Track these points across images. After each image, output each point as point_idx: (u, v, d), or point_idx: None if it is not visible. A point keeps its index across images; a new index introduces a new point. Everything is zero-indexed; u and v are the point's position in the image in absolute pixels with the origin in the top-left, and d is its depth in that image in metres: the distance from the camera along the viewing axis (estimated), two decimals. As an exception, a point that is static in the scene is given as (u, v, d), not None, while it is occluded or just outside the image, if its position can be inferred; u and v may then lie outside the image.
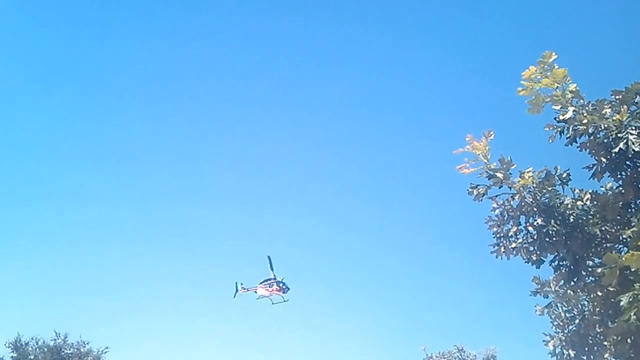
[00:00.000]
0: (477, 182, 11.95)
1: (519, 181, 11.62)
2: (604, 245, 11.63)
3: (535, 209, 11.66)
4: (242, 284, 43.27)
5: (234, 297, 43.48)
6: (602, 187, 11.73)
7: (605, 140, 11.12)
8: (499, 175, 11.70)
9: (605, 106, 11.09)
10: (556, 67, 11.25)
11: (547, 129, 11.58)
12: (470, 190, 11.96)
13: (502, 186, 11.80)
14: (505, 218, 11.93)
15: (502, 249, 11.95)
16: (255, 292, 42.33)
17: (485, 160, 11.76)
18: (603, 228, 11.56)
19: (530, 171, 11.66)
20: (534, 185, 11.65)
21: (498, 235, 12.00)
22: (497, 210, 11.99)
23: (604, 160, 11.26)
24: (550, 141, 11.54)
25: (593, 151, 11.35)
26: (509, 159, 11.71)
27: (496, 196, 11.99)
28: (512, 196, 11.84)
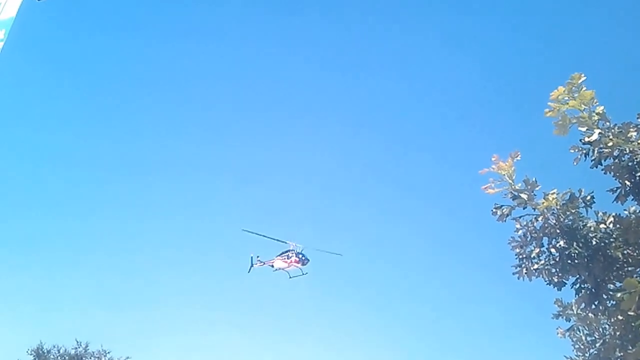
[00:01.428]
0: (502, 202, 11.80)
1: (543, 203, 11.52)
2: (626, 269, 11.58)
3: (558, 231, 11.57)
4: (258, 256, 40.59)
5: (249, 271, 40.95)
6: (625, 210, 11.66)
7: (630, 164, 11.12)
8: (524, 196, 11.58)
9: (631, 129, 11.08)
10: (584, 88, 11.19)
11: (572, 151, 11.51)
12: (494, 210, 11.83)
13: (526, 207, 11.69)
14: (529, 239, 11.81)
15: (524, 270, 11.82)
16: (272, 265, 39.72)
17: (511, 181, 11.65)
18: (625, 252, 11.50)
19: (554, 193, 11.57)
20: (558, 207, 11.57)
21: (520, 257, 11.88)
22: (520, 231, 11.87)
23: (628, 183, 11.24)
24: (575, 163, 11.47)
25: (617, 174, 11.31)
26: (533, 180, 11.61)
27: (520, 217, 11.86)
28: (535, 217, 11.73)
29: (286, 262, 38.81)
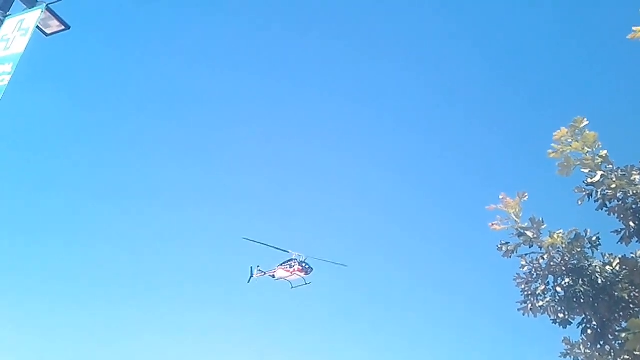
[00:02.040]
0: (508, 239, 12.20)
1: (548, 240, 11.86)
2: (632, 309, 11.71)
3: (564, 269, 11.86)
4: (258, 266, 38.59)
5: (248, 282, 39.00)
6: (632, 253, 11.88)
7: (634, 206, 11.43)
8: (529, 234, 11.97)
9: (634, 172, 11.43)
10: (587, 131, 11.66)
11: (576, 192, 11.87)
12: (500, 246, 12.22)
13: (532, 245, 12.04)
14: (534, 276, 12.13)
15: (530, 307, 12.08)
16: (273, 275, 37.67)
17: (517, 219, 12.07)
18: (632, 293, 11.67)
19: (560, 232, 11.92)
20: (564, 245, 11.89)
21: (526, 293, 12.17)
22: (525, 268, 12.21)
23: (632, 225, 11.51)
24: (580, 203, 11.82)
25: (622, 216, 11.60)
26: (540, 219, 12.01)
27: (526, 254, 12.21)
28: (541, 255, 12.06)
29: (288, 271, 36.89)
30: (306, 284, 37.08)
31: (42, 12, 8.69)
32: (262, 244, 37.06)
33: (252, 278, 38.92)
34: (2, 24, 8.61)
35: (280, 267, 37.27)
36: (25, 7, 8.88)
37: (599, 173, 11.53)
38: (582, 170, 11.77)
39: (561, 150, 11.74)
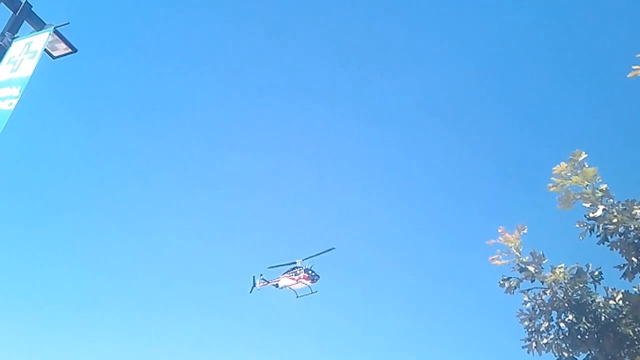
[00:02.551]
0: (509, 274, 12.06)
1: (550, 276, 11.74)
2: (637, 346, 11.49)
3: (567, 305, 11.69)
4: (261, 275, 36.46)
5: (250, 292, 37.03)
6: (634, 287, 11.77)
7: (636, 241, 11.38)
8: (531, 269, 11.85)
9: (635, 207, 11.44)
10: (586, 165, 11.73)
11: (577, 226, 11.84)
12: (502, 282, 12.06)
13: (534, 280, 11.89)
14: (537, 313, 11.92)
15: (534, 344, 11.82)
16: (277, 284, 35.61)
17: (517, 254, 11.96)
18: (636, 329, 11.48)
19: (562, 267, 11.81)
20: (566, 281, 11.75)
21: (530, 330, 11.93)
22: (528, 304, 12.01)
23: (634, 260, 11.43)
24: (581, 238, 11.77)
25: (624, 251, 11.54)
26: (541, 253, 11.92)
27: (528, 290, 12.04)
28: (543, 291, 11.90)
29: (293, 279, 34.85)
30: (312, 292, 35.13)
31: (50, 35, 8.71)
32: (280, 265, 35.65)
33: (254, 288, 37.09)
34: (10, 46, 8.61)
35: (284, 275, 35.43)
36: (33, 29, 8.92)
37: (600, 207, 11.54)
38: (583, 204, 11.78)
39: (561, 184, 11.77)
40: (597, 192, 11.67)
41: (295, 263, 35.17)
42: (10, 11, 8.67)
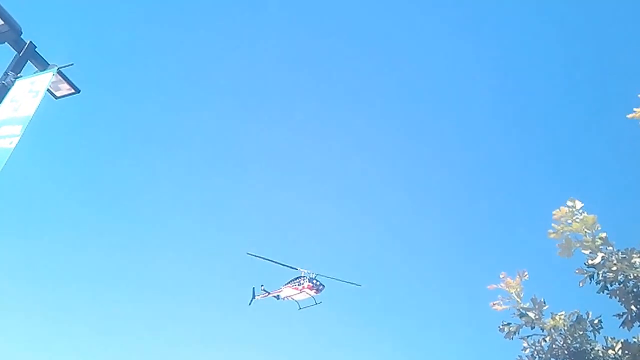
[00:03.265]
0: (509, 320, 11.97)
1: (550, 322, 11.65)
2: (637, 397, 11.39)
3: (566, 353, 11.60)
4: (262, 286, 34.08)
5: (250, 304, 34.38)
6: (634, 338, 11.71)
7: (635, 290, 11.36)
8: (531, 314, 11.77)
9: (635, 255, 11.44)
10: (586, 213, 11.76)
11: (577, 273, 11.81)
12: (502, 327, 11.95)
13: (534, 327, 11.80)
14: (536, 360, 11.79)
15: (533, 393, 11.68)
16: (278, 295, 33.43)
17: (518, 299, 11.89)
18: (636, 379, 11.40)
19: (562, 314, 11.74)
20: (565, 328, 11.68)
21: (529, 378, 11.79)
22: (527, 351, 11.92)
23: (634, 309, 11.40)
24: (581, 285, 11.73)
25: (623, 299, 11.51)
26: (541, 300, 11.84)
27: (527, 336, 11.93)
28: (543, 338, 11.81)
29: (297, 289, 32.38)
30: (316, 303, 32.65)
31: (53, 75, 8.61)
32: (268, 259, 33.33)
33: (253, 300, 34.67)
34: (13, 85, 8.49)
35: (287, 285, 32.98)
36: (37, 69, 8.81)
37: (600, 255, 11.53)
38: (583, 251, 11.77)
39: (561, 231, 11.77)
40: (597, 240, 11.68)
41: (297, 270, 32.71)
42: (15, 51, 8.55)
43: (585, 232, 11.77)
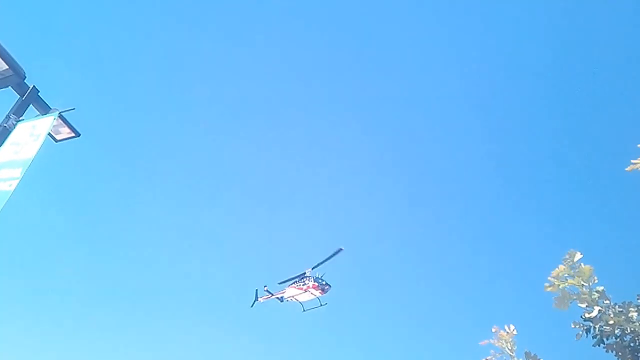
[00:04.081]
0: (503, 374, 11.77)
1: (545, 378, 11.46)
2: None
3: (562, 409, 11.36)
4: (265, 287, 32.34)
5: (252, 306, 32.96)
6: (631, 393, 11.50)
7: (632, 344, 11.22)
8: (526, 369, 11.57)
9: (632, 309, 11.35)
10: (582, 265, 11.71)
11: (574, 327, 11.70)
12: (496, 382, 11.75)
13: (528, 381, 11.59)
14: (532, 417, 11.55)
15: None
16: (281, 297, 31.62)
17: (511, 354, 11.72)
18: None
19: (557, 369, 11.56)
20: (561, 383, 11.49)
21: None
22: (523, 406, 11.65)
23: (631, 364, 11.23)
24: (577, 339, 11.61)
25: (620, 354, 11.36)
26: (534, 354, 11.67)
27: (522, 391, 11.73)
28: (538, 392, 11.59)
29: (301, 288, 30.26)
30: (321, 305, 30.37)
31: (55, 119, 8.73)
32: (291, 279, 31.23)
33: (256, 301, 32.85)
34: (14, 128, 8.60)
35: (291, 285, 31.10)
36: (39, 113, 8.94)
37: (596, 308, 11.45)
38: (579, 304, 11.69)
39: (558, 284, 11.70)
40: (594, 293, 11.61)
41: (304, 273, 30.85)
42: (18, 95, 8.70)
43: (582, 285, 11.70)
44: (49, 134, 8.86)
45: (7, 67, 8.55)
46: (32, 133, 8.62)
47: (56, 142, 9.07)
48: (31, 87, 8.76)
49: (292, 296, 30.54)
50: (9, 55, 8.42)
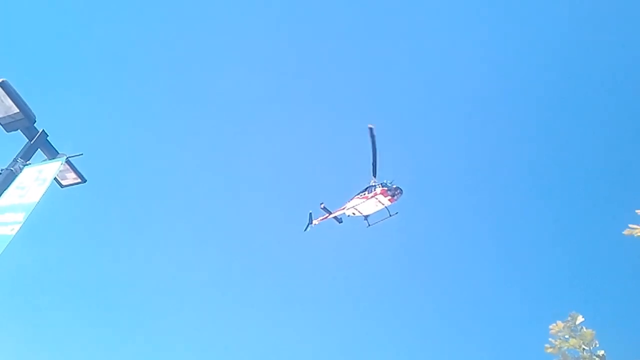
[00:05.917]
0: None
1: None
2: None
3: None
4: (322, 204, 28.40)
5: (305, 230, 29.42)
6: None
7: (634, 413, 11.01)
8: None
9: (633, 376, 11.17)
10: (584, 328, 11.58)
11: (575, 392, 11.47)
12: None
13: None
14: None
15: None
16: (339, 219, 27.97)
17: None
18: None
19: None
20: None
21: None
22: None
23: None
24: (578, 405, 11.36)
25: (621, 422, 11.12)
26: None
27: None
28: None
29: (366, 197, 25.80)
30: (390, 215, 26.11)
31: (61, 164, 8.73)
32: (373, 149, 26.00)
33: (309, 225, 29.31)
34: (21, 172, 8.58)
35: (355, 197, 26.91)
36: (46, 157, 8.94)
37: (598, 374, 11.25)
38: (580, 368, 11.50)
39: (558, 345, 11.55)
40: (595, 358, 11.43)
41: (369, 187, 26.82)
42: (26, 138, 8.72)
43: (583, 348, 11.54)
44: (55, 179, 8.85)
45: (18, 110, 8.59)
46: (37, 177, 8.61)
47: (62, 187, 9.07)
48: (40, 131, 8.81)
49: (355, 208, 26.81)
50: (21, 99, 8.49)
